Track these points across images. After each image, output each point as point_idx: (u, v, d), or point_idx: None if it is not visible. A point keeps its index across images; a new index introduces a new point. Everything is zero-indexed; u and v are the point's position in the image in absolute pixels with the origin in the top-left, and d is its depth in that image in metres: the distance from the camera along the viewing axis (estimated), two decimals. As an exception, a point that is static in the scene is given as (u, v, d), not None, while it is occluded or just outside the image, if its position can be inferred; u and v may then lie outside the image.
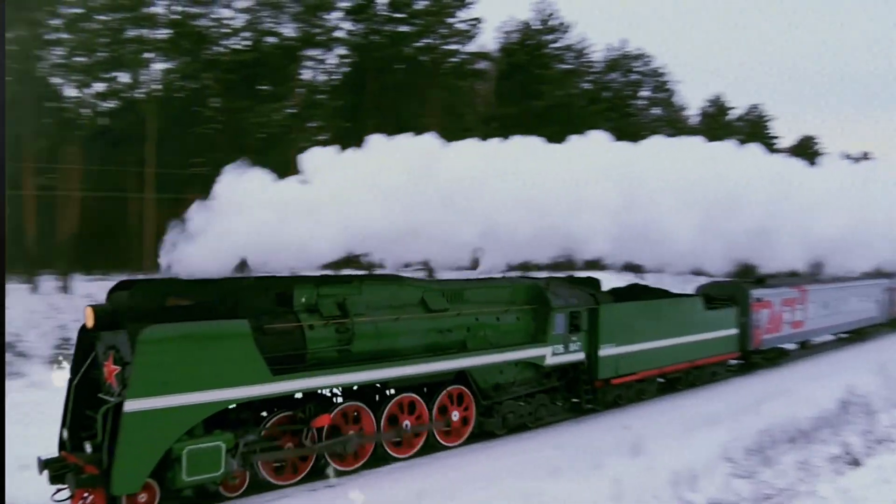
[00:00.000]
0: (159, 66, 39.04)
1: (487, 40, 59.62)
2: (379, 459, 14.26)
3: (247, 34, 40.10)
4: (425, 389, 15.15)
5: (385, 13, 43.00)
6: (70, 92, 37.83)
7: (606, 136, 18.83)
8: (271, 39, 40.51)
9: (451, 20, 44.22)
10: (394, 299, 14.73)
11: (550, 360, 17.26)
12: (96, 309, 11.49)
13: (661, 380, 20.94)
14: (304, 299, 13.33)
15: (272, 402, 13.00)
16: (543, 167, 16.19)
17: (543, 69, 49.76)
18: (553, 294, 17.45)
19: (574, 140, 18.34)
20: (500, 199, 15.07)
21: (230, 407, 12.08)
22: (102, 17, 35.87)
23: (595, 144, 18.33)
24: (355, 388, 13.85)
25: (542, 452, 15.01)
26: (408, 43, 43.40)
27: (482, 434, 16.16)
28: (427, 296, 15.27)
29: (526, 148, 16.79)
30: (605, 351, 18.45)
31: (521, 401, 16.84)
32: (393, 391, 14.59)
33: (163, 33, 37.59)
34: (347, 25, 42.82)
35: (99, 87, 38.49)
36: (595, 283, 19.84)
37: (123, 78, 38.68)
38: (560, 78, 50.62)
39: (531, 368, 17.06)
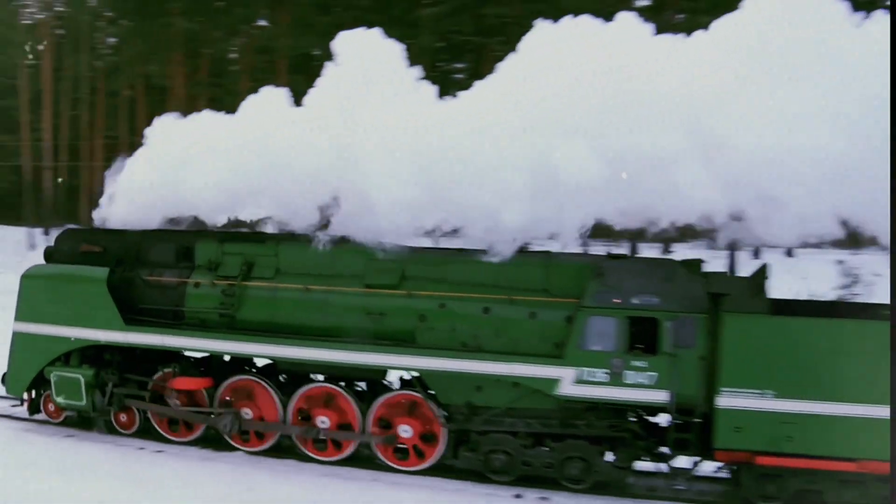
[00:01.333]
0: None
1: None
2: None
3: None
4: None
5: None
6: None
7: None
8: None
9: None
10: (324, 266, 12.17)
11: (570, 390, 10.69)
12: (45, 250, 14.01)
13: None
14: (205, 255, 12.70)
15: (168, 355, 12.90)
16: None
17: None
18: (602, 283, 10.65)
19: None
20: None
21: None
22: None
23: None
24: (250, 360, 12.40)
25: None
26: None
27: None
28: (371, 266, 11.91)
29: None
30: (735, 400, 10.12)
31: (530, 441, 11.12)
32: (322, 378, 12.22)
33: None
34: None
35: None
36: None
37: None
38: None
39: (549, 398, 10.98)
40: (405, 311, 11.64)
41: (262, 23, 44.65)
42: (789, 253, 31.52)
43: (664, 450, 10.97)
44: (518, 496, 10.96)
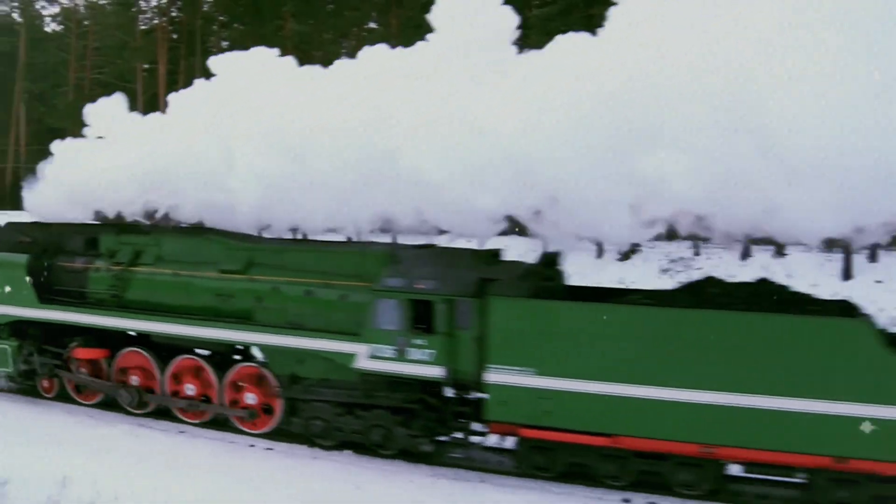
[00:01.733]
0: None
1: None
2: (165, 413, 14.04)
3: None
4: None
5: None
6: None
7: None
8: None
9: None
10: (192, 255, 13.80)
11: (365, 364, 11.75)
12: None
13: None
14: (106, 245, 14.59)
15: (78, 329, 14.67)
16: None
17: None
18: (393, 269, 11.66)
19: None
20: None
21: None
22: None
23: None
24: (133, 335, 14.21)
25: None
26: None
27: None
28: (225, 255, 13.41)
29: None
30: (501, 376, 10.88)
31: (343, 409, 12.27)
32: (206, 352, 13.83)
33: None
34: None
35: None
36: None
37: None
38: None
39: (352, 371, 12.07)
40: (247, 293, 13.08)
41: (372, 25, 46.22)
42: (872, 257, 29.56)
43: (458, 422, 11.87)
44: (626, 500, 10.82)
